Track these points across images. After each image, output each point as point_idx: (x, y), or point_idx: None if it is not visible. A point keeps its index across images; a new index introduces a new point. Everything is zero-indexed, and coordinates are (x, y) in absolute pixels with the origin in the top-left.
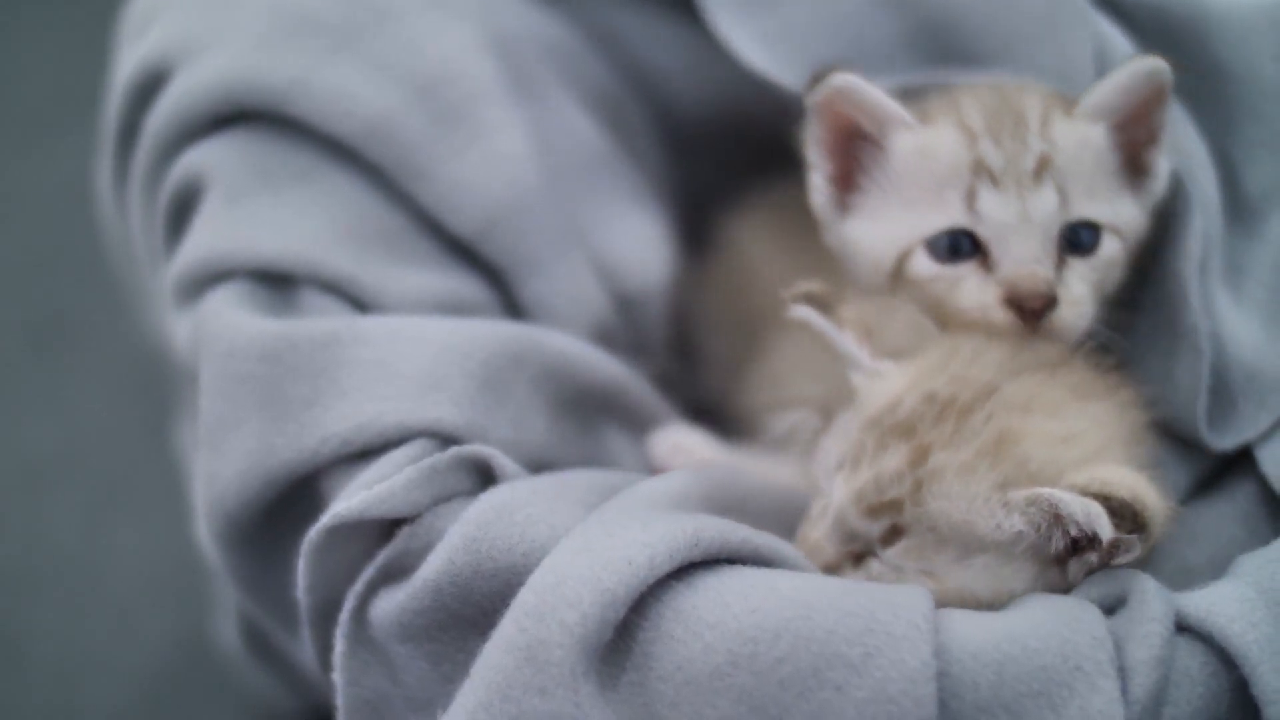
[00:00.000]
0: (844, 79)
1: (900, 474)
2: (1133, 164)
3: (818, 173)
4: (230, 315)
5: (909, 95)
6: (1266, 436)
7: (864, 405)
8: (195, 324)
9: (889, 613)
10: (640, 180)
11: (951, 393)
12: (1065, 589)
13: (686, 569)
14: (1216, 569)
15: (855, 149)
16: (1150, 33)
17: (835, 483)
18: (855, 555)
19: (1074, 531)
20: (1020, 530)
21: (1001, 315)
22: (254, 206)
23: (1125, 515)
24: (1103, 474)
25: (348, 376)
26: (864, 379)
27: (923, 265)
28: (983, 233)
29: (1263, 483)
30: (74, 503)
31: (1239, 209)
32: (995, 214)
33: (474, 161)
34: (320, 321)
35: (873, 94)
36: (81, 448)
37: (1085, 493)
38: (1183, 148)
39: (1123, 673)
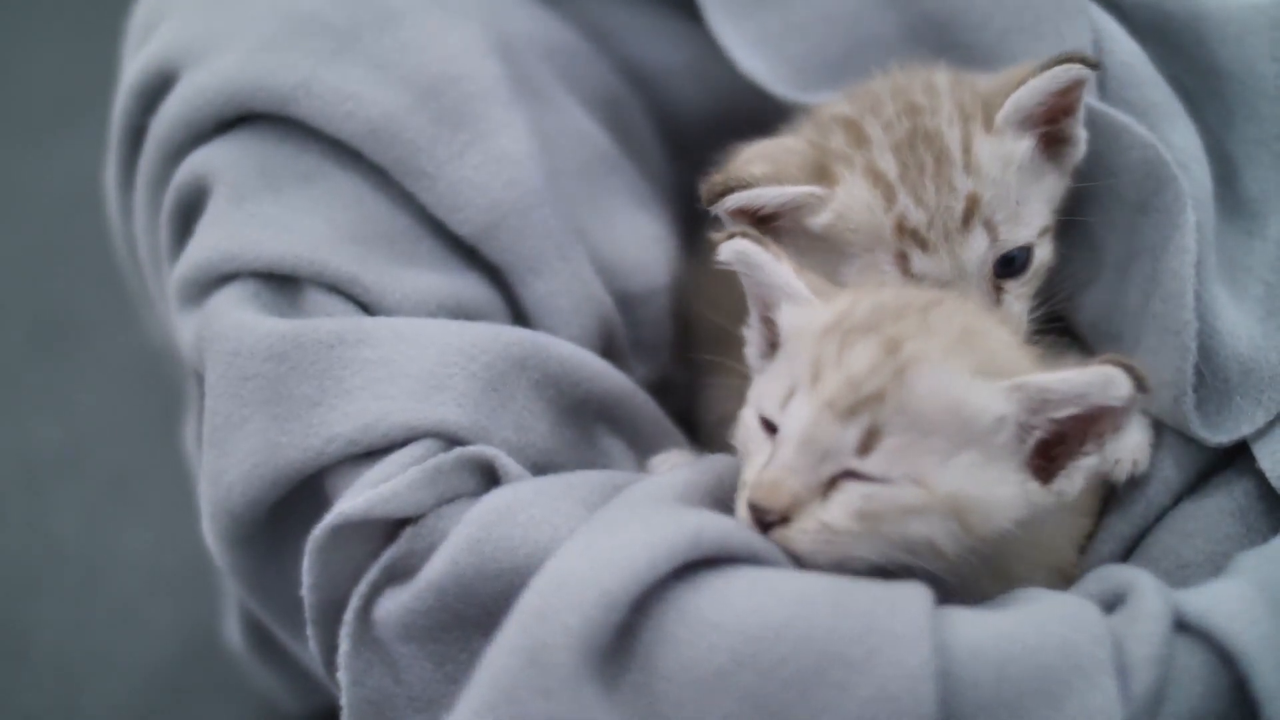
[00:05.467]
0: (733, 199)
1: (877, 365)
2: (1051, 135)
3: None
4: (236, 315)
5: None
6: (1264, 433)
7: (804, 330)
8: (201, 324)
9: (889, 611)
10: (642, 179)
11: (903, 301)
12: (1051, 508)
13: (689, 569)
14: (1214, 565)
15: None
16: (1148, 32)
17: (789, 410)
18: (826, 483)
19: (1065, 413)
20: (1004, 414)
21: None
22: (259, 208)
23: (1134, 374)
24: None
25: (353, 376)
26: (795, 311)
27: None
28: None
29: (1260, 479)
30: (79, 500)
31: (1238, 207)
32: (930, 274)
33: (476, 162)
34: (325, 322)
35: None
36: (86, 445)
37: (1083, 365)
38: (1174, 143)
39: (1122, 670)
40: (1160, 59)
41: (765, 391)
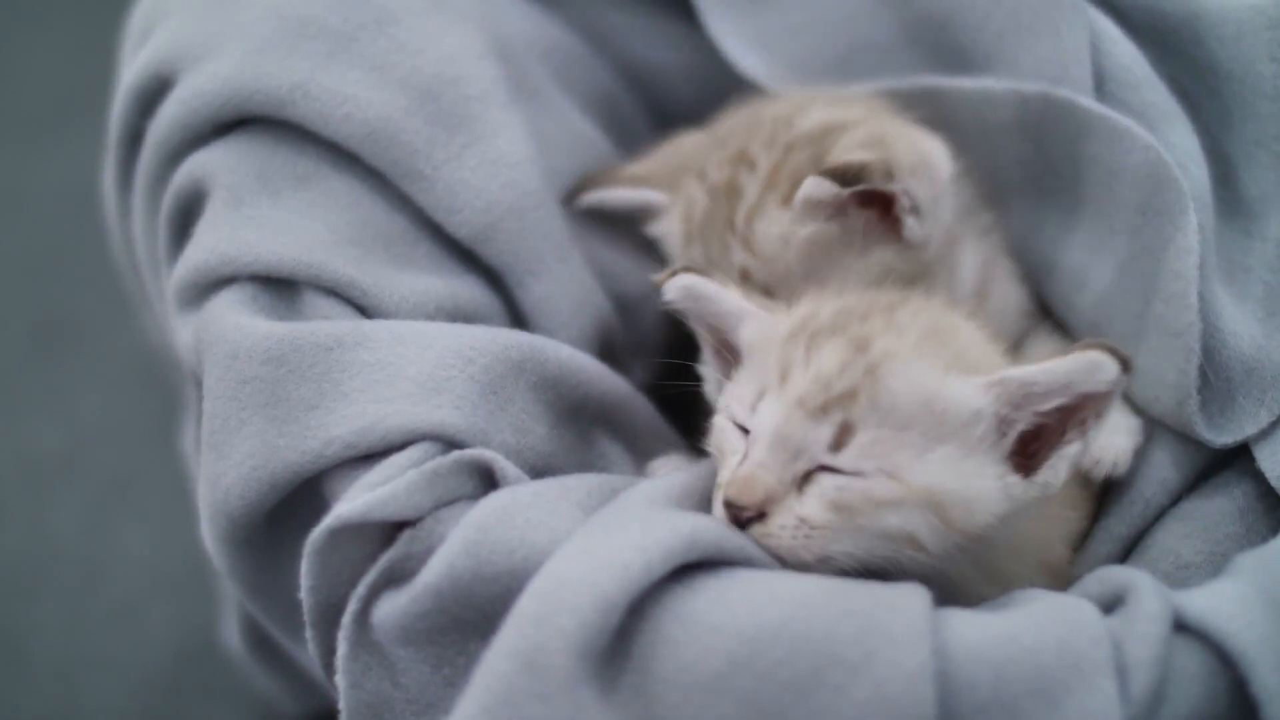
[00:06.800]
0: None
1: (847, 364)
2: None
3: None
4: (234, 318)
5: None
6: (1265, 434)
7: (768, 337)
8: (199, 327)
9: (887, 613)
10: None
11: (867, 301)
12: (1035, 501)
13: (686, 571)
14: (1214, 566)
15: None
16: (1145, 32)
17: (760, 411)
18: (801, 477)
19: (1052, 404)
20: (980, 408)
21: None
22: (256, 211)
23: (1119, 355)
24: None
25: (351, 379)
26: (757, 323)
27: None
28: None
29: (1260, 479)
30: (78, 502)
31: (1237, 207)
32: None
33: (473, 164)
34: (323, 325)
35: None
36: (85, 447)
37: (1064, 354)
38: (1173, 143)
39: (1121, 672)
40: (1157, 59)
41: (734, 396)
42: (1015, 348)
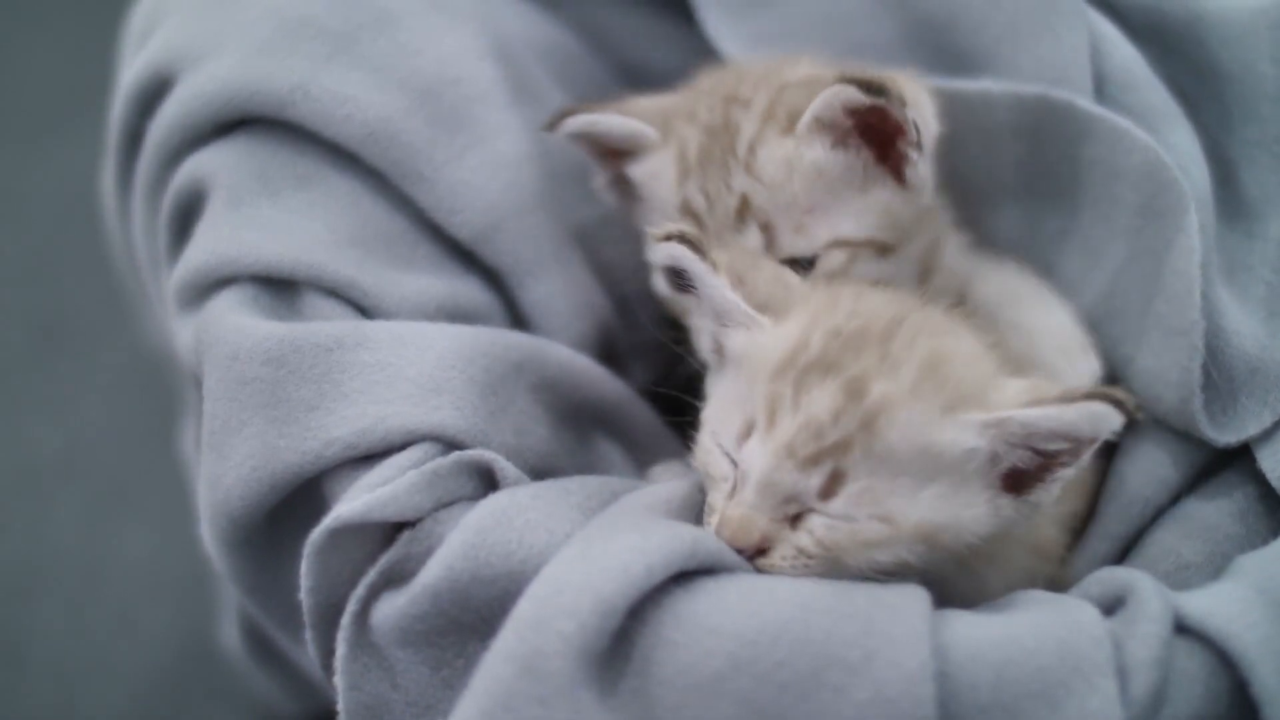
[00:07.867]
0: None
1: (840, 412)
2: (891, 150)
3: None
4: (234, 319)
5: None
6: (1267, 435)
7: (755, 359)
8: (199, 328)
9: (887, 614)
10: None
11: (860, 324)
12: (1018, 521)
13: (685, 575)
14: (1214, 567)
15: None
16: (1145, 34)
17: (747, 450)
18: (791, 519)
19: (1052, 446)
20: (975, 447)
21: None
22: (256, 211)
23: (1123, 406)
24: (1038, 385)
25: (351, 380)
26: (742, 335)
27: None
28: None
29: (1261, 480)
30: (76, 505)
31: (1238, 208)
32: None
33: (474, 164)
34: (323, 325)
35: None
36: (84, 450)
37: (1068, 399)
38: (1173, 145)
39: (1121, 673)
40: (1157, 60)
41: (720, 420)
42: (961, 298)
